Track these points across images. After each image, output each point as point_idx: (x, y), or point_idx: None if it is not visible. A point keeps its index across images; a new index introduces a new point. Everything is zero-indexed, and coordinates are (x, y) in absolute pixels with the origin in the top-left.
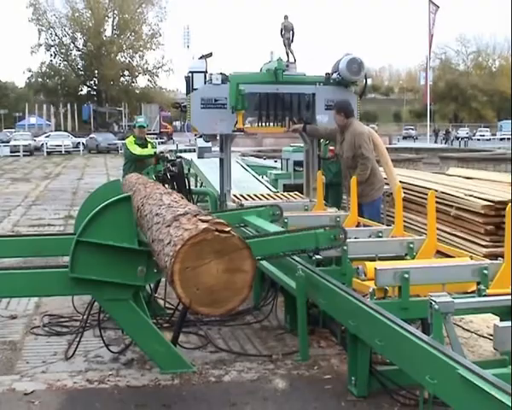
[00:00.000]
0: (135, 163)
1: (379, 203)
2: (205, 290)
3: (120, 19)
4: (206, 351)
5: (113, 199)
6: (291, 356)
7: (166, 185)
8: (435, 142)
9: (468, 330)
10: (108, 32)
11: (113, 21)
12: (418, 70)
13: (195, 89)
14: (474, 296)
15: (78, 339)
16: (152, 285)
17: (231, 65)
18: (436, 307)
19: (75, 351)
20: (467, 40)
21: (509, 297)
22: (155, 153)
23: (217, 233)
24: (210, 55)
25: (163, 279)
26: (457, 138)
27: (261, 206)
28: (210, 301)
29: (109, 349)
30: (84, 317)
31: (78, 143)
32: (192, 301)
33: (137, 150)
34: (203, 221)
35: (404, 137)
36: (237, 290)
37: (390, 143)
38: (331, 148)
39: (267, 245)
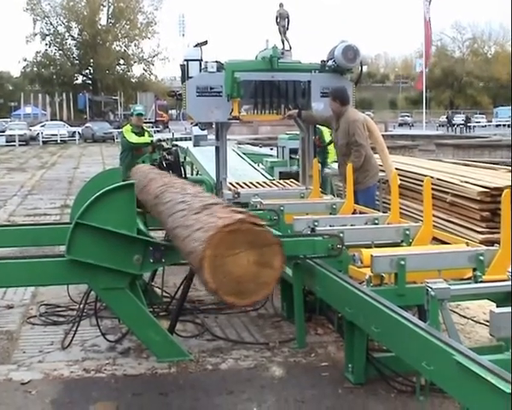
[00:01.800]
0: (132, 152)
1: (373, 190)
2: (232, 280)
3: (115, 7)
4: (203, 339)
5: (117, 185)
6: (288, 344)
7: None
8: (453, 130)
9: (464, 317)
10: (103, 21)
11: (108, 10)
12: (414, 57)
13: (191, 77)
14: (470, 283)
15: (74, 328)
16: (149, 274)
17: (227, 53)
18: (432, 293)
19: (72, 340)
20: (462, 27)
21: (505, 283)
22: (152, 141)
23: (251, 225)
24: (205, 43)
25: (160, 268)
26: (453, 125)
27: (259, 210)
28: (235, 292)
29: (106, 338)
30: (81, 306)
31: (74, 132)
32: (218, 289)
33: (134, 138)
34: (237, 212)
35: (400, 125)
36: (263, 285)
37: (386, 131)
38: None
39: None
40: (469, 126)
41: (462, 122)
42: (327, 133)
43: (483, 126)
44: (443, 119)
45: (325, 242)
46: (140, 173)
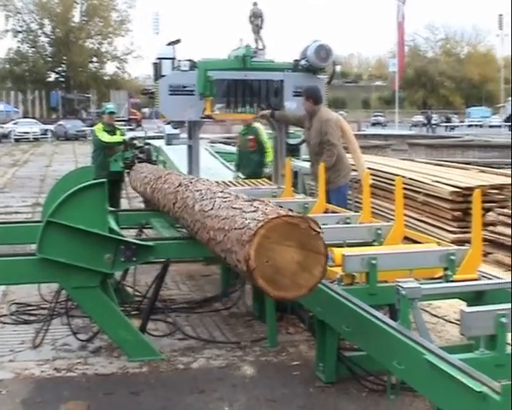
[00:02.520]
0: (104, 150)
1: (345, 190)
2: (272, 267)
3: (89, 5)
4: (175, 338)
5: (88, 183)
6: (259, 343)
7: None
8: (429, 130)
9: (435, 316)
10: (77, 19)
11: (81, 7)
12: (387, 57)
13: (163, 75)
14: (440, 282)
15: (45, 327)
16: (120, 273)
17: (201, 51)
18: (403, 292)
19: (43, 339)
20: (435, 28)
21: (476, 283)
22: (124, 140)
23: (310, 228)
24: (178, 41)
25: (131, 267)
26: (432, 125)
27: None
28: (269, 279)
29: (77, 337)
30: (52, 305)
31: (47, 130)
32: (256, 269)
33: (106, 137)
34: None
35: (373, 124)
36: (297, 286)
37: (359, 130)
38: (250, 137)
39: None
40: (449, 126)
41: (435, 122)
42: (264, 133)
43: (456, 126)
44: (416, 118)
45: None
46: (150, 168)
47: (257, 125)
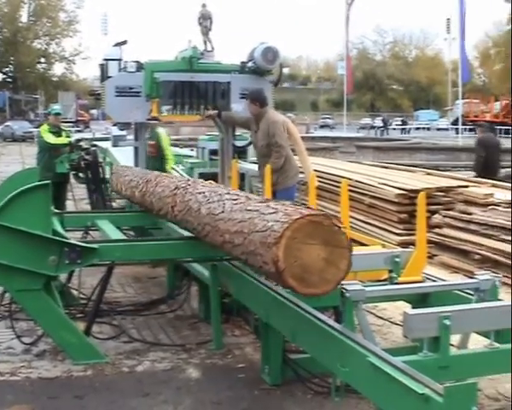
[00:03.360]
0: (49, 152)
1: (293, 191)
2: (300, 266)
3: (37, 5)
4: (120, 341)
5: (32, 185)
6: (205, 345)
7: (81, 174)
8: (377, 133)
9: (381, 318)
10: (24, 19)
11: (29, 7)
12: (336, 60)
13: (110, 77)
14: (385, 284)
15: None
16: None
17: (150, 53)
18: (347, 295)
19: None
20: (384, 31)
21: (420, 285)
22: (70, 142)
23: (333, 224)
24: (124, 42)
25: (77, 269)
26: (373, 127)
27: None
28: (299, 278)
29: (21, 341)
30: None
31: None
32: (286, 269)
33: (52, 139)
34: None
35: (322, 126)
36: (325, 281)
37: (307, 132)
38: (151, 142)
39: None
40: (405, 129)
41: (382, 124)
42: (166, 140)
43: (403, 129)
44: (364, 121)
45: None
46: (134, 171)
47: (160, 130)
